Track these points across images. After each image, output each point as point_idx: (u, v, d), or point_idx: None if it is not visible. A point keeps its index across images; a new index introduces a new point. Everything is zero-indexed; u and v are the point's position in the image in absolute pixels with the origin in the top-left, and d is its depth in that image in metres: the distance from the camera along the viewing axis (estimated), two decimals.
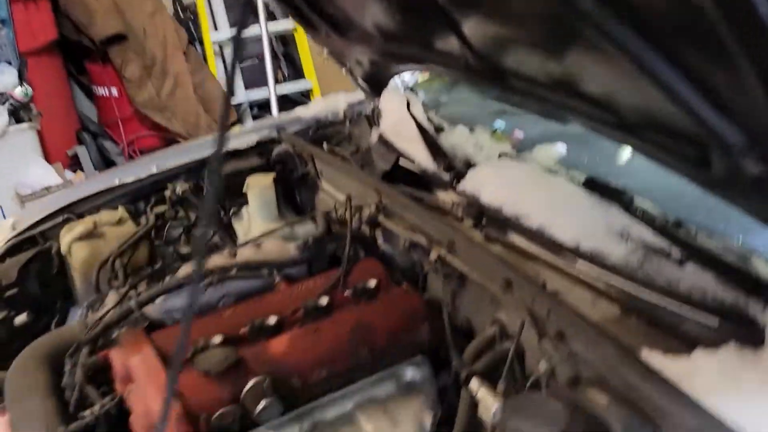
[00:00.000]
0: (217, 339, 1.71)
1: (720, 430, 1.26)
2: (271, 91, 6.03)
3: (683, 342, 1.50)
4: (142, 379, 1.59)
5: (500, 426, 1.56)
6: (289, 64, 7.09)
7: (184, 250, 2.52)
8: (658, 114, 1.32)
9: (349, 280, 1.97)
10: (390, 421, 1.73)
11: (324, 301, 1.86)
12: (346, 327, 1.77)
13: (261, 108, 6.65)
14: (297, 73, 6.79)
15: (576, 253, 1.72)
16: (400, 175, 2.39)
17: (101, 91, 5.90)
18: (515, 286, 1.70)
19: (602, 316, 1.61)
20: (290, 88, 6.42)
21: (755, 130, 1.04)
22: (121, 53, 5.52)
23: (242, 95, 6.27)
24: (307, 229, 2.47)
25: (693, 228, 1.63)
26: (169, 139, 5.78)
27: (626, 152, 2.08)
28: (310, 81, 6.46)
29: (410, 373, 1.86)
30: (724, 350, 1.42)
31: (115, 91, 5.82)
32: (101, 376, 1.78)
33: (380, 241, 2.32)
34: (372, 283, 1.92)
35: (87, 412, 1.64)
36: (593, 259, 1.69)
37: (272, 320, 1.79)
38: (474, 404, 1.72)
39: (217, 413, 1.54)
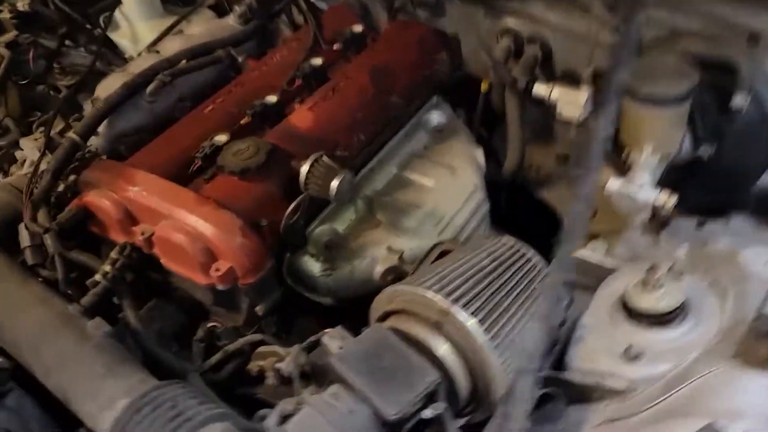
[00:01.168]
0: (222, 137, 1.32)
1: None
2: None
3: None
4: (170, 206, 1.19)
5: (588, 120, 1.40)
6: None
7: (63, 80, 1.92)
8: None
9: (326, 36, 1.60)
10: (445, 168, 1.50)
11: (318, 61, 1.49)
12: (364, 78, 1.45)
13: None
14: None
15: None
16: None
17: None
18: None
19: None
20: None
21: None
22: None
23: None
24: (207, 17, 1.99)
25: None
26: None
27: None
28: None
29: (435, 117, 1.61)
30: None
31: None
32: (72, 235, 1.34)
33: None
34: (358, 27, 1.58)
35: (97, 277, 1.22)
36: None
37: (272, 99, 1.41)
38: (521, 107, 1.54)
39: (288, 210, 1.21)
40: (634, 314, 1.11)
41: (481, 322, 1.01)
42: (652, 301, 1.08)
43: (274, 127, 1.36)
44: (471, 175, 1.49)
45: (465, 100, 1.69)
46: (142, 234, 1.23)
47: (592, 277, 1.30)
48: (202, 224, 1.16)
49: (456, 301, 1.02)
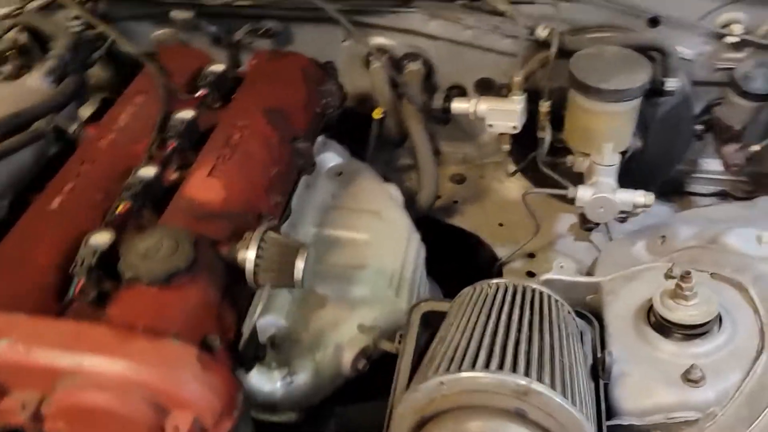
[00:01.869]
0: (104, 236, 0.93)
1: None
2: None
3: None
4: (73, 355, 0.78)
5: None
6: None
7: None
8: None
9: (177, 82, 1.25)
10: (369, 215, 1.26)
11: (189, 114, 1.15)
12: (261, 123, 1.14)
13: None
14: None
15: None
16: None
17: None
18: None
19: None
20: None
21: None
22: None
23: None
24: None
25: None
26: None
27: None
28: None
29: (329, 158, 1.37)
30: None
31: None
32: None
33: None
34: (218, 67, 1.26)
35: None
36: None
37: (149, 171, 1.04)
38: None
39: (256, 315, 0.87)
40: (668, 331, 0.99)
41: (563, 392, 0.81)
42: (691, 312, 0.97)
43: (168, 208, 1.00)
44: (399, 216, 1.28)
45: (346, 134, 1.46)
46: (24, 408, 0.79)
47: (573, 299, 1.17)
48: (135, 368, 0.77)
49: (527, 374, 0.80)
